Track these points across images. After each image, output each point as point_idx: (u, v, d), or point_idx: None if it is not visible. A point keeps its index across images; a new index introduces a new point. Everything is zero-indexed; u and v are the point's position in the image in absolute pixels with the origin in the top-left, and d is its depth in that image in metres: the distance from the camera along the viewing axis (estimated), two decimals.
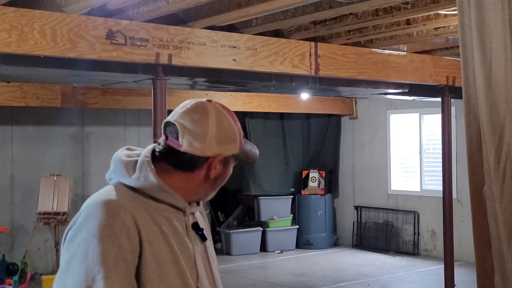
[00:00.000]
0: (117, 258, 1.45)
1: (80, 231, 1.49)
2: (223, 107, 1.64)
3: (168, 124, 1.60)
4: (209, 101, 1.62)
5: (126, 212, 1.50)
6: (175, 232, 1.58)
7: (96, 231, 1.46)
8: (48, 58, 4.01)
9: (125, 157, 1.62)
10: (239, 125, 1.66)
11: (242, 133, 1.66)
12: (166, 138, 1.60)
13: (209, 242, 1.75)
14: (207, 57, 4.45)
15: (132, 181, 1.57)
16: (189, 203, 1.66)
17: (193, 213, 1.68)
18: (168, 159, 1.60)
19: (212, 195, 1.69)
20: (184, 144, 1.56)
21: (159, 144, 1.63)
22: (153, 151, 1.63)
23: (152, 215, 1.55)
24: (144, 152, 1.62)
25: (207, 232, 1.77)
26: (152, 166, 1.57)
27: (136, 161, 1.60)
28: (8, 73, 5.13)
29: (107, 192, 1.56)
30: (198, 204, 1.71)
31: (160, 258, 1.51)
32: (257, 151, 1.71)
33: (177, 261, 1.55)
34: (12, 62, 4.18)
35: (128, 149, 1.66)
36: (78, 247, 1.47)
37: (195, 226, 1.66)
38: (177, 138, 1.57)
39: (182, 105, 1.63)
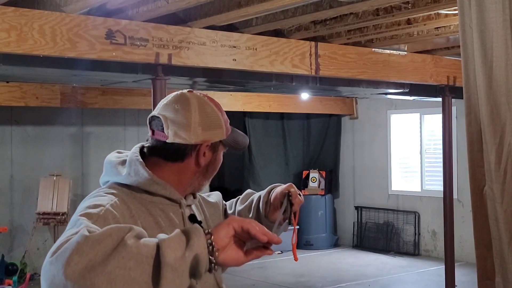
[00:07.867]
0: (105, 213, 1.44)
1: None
2: (205, 95, 1.67)
3: (153, 118, 1.63)
4: (190, 91, 1.65)
5: (117, 196, 1.51)
6: (171, 224, 1.58)
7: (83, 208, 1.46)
8: (47, 58, 3.99)
9: (115, 158, 1.65)
10: (224, 112, 1.69)
11: (228, 120, 1.69)
12: (153, 132, 1.63)
13: None
14: (207, 57, 4.44)
15: (123, 178, 1.58)
16: (185, 197, 1.67)
17: (189, 206, 1.69)
18: (158, 153, 1.62)
19: (205, 184, 1.70)
20: (170, 134, 1.59)
21: (147, 141, 1.66)
22: (142, 149, 1.65)
23: (147, 207, 1.56)
24: (132, 150, 1.65)
25: (207, 224, 1.76)
26: (141, 160, 1.59)
27: (126, 160, 1.62)
28: (8, 73, 5.12)
29: (96, 191, 1.58)
30: (194, 197, 1.72)
31: None
32: (247, 139, 1.75)
33: None
34: (11, 62, 4.16)
35: (118, 152, 1.69)
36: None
37: (193, 218, 1.66)
38: (162, 130, 1.59)
39: (164, 98, 1.67)
